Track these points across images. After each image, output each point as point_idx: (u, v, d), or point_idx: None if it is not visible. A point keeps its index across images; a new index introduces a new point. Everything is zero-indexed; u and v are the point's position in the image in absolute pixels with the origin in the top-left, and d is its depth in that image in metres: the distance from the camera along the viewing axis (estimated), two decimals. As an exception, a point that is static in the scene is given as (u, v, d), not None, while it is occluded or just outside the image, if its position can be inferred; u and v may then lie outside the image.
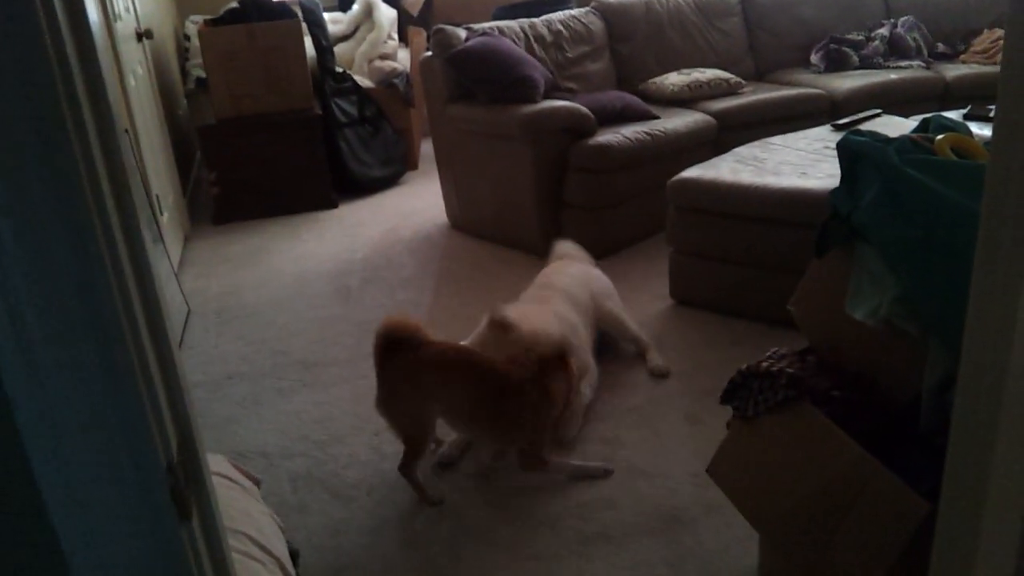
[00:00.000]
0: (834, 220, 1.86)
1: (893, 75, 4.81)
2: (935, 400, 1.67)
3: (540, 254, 3.74)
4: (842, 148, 1.83)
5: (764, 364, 1.99)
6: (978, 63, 4.89)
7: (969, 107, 3.88)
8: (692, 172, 3.48)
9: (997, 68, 4.95)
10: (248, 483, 2.00)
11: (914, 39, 5.10)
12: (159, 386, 0.87)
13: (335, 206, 5.20)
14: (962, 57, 5.07)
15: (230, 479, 1.92)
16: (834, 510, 1.73)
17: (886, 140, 1.78)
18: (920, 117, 4.01)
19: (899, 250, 1.66)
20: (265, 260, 4.48)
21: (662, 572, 2.21)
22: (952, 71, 4.87)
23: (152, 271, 0.87)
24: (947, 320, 1.60)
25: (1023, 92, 0.84)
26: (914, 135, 1.81)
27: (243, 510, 1.78)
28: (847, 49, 5.04)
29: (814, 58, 5.10)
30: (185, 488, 0.92)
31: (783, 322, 3.29)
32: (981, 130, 3.61)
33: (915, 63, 4.98)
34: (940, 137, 1.75)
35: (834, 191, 1.86)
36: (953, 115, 4.00)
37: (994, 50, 4.86)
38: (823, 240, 1.88)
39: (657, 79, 4.73)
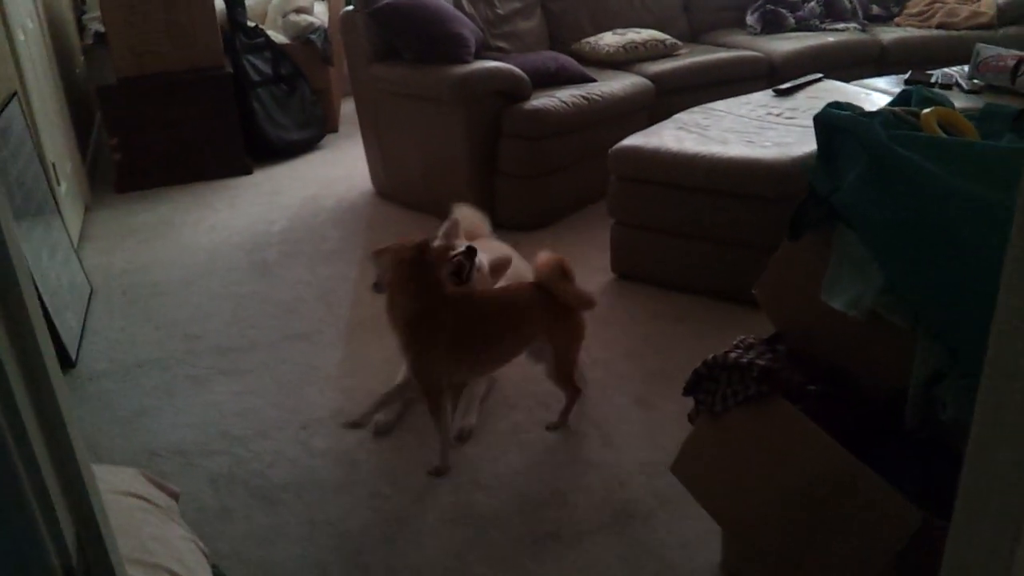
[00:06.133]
0: (811, 201, 1.71)
1: (830, 38, 4.72)
2: (922, 396, 1.55)
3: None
4: (821, 122, 1.67)
5: (732, 355, 1.84)
6: (913, 26, 4.85)
7: (909, 72, 3.81)
8: (634, 140, 3.32)
9: (932, 32, 4.95)
10: (165, 499, 1.77)
11: (849, 1, 5.02)
12: (45, 466, 0.65)
13: (249, 172, 4.87)
14: (896, 20, 5.02)
15: (144, 499, 1.68)
16: (814, 514, 1.60)
17: (870, 114, 1.63)
18: (862, 81, 3.97)
19: (887, 235, 1.52)
20: (174, 232, 4.16)
21: (617, 572, 2.07)
22: (888, 34, 4.81)
23: (30, 315, 0.64)
24: (939, 311, 1.48)
25: None
26: (897, 108, 1.66)
27: (160, 537, 1.55)
28: (783, 10, 4.93)
29: (750, 19, 4.98)
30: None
31: (729, 297, 3.21)
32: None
33: (851, 25, 4.91)
34: (927, 111, 1.61)
35: (811, 169, 1.70)
36: (886, 81, 3.94)
37: (928, 13, 4.82)
38: (798, 222, 1.73)
39: (591, 39, 4.53)
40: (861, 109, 1.72)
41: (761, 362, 1.78)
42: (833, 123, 1.64)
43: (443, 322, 2.37)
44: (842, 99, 3.67)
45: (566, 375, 2.55)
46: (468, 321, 2.41)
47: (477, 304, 2.47)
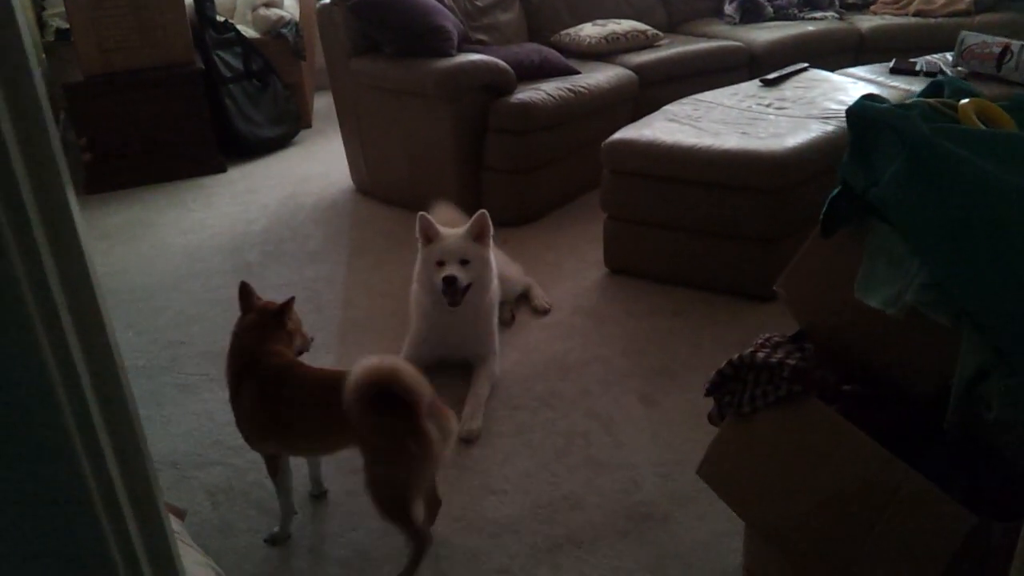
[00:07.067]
0: (843, 196, 1.67)
1: (810, 27, 4.73)
2: (965, 395, 1.52)
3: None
4: (855, 115, 1.62)
5: (760, 355, 1.79)
6: (890, 14, 4.87)
7: (894, 61, 3.81)
8: (627, 133, 3.26)
9: (909, 19, 4.96)
10: (177, 522, 1.69)
11: (826, -11, 5.03)
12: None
13: (223, 170, 4.74)
14: (873, 8, 5.04)
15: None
16: (857, 518, 1.56)
17: (906, 106, 1.59)
18: (846, 70, 3.95)
19: (932, 232, 1.48)
20: (150, 234, 4.02)
21: (641, 578, 2.03)
22: (865, 22, 4.83)
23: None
24: (988, 308, 1.44)
25: None
26: (932, 100, 1.62)
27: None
28: (761, -1, 4.92)
29: (728, 8, 4.96)
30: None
31: (725, 290, 3.18)
32: (910, 86, 3.55)
33: (829, 14, 4.92)
34: (965, 102, 1.57)
35: (843, 165, 1.66)
36: (870, 70, 3.93)
37: (905, 1, 4.84)
38: (831, 218, 1.69)
39: (571, 31, 4.47)
40: (888, 101, 1.68)
41: (791, 361, 1.74)
42: (869, 116, 1.59)
43: (248, 386, 2.07)
44: (829, 88, 3.68)
45: (390, 510, 1.94)
46: (270, 393, 2.04)
47: (284, 379, 2.06)
